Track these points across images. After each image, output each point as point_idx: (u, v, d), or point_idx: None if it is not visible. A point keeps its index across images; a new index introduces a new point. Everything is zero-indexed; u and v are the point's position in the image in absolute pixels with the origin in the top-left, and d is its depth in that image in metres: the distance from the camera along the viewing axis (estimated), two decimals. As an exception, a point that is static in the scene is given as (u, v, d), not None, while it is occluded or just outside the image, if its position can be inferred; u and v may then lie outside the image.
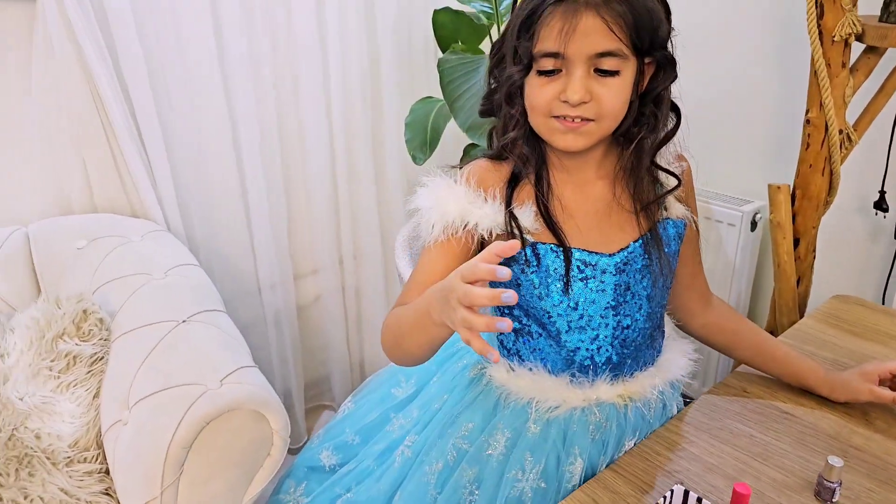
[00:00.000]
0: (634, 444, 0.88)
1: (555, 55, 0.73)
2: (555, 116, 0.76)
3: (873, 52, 1.21)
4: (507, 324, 0.58)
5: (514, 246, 0.59)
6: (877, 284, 1.50)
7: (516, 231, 0.80)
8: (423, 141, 1.58)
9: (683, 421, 0.92)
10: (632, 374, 0.88)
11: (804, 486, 0.79)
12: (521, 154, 0.82)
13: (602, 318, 0.84)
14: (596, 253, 0.82)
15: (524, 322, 0.87)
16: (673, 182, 0.85)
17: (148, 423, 0.94)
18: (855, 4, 1.16)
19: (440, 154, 1.69)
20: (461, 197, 0.81)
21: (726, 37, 1.61)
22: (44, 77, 1.30)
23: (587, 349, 0.85)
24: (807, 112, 1.26)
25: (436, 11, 1.60)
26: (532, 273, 0.81)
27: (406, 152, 1.64)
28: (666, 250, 0.85)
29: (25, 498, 0.97)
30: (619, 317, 0.84)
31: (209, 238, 1.62)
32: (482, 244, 0.82)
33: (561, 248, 0.80)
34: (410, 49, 1.84)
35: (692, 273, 0.95)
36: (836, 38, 1.16)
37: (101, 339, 1.10)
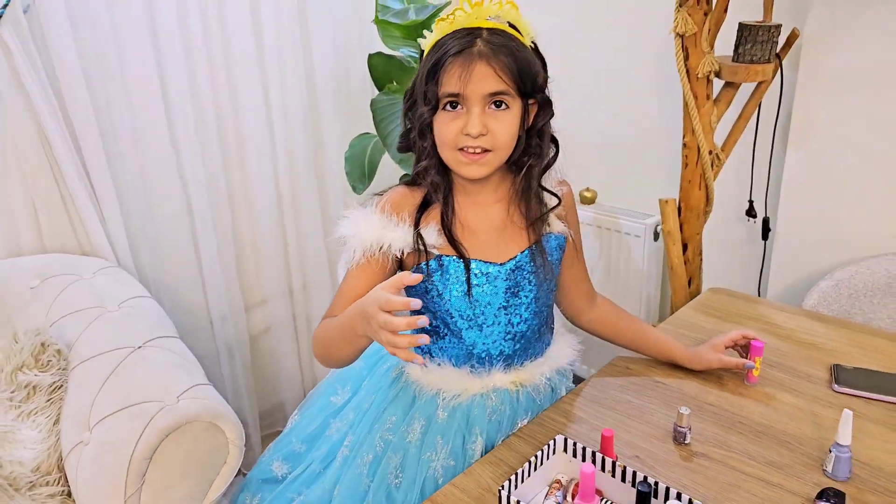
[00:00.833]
0: (528, 423, 1.01)
1: (455, 95, 0.88)
2: (460, 149, 0.90)
3: (731, 85, 1.43)
4: (425, 339, 0.73)
5: (416, 278, 0.74)
6: (756, 279, 1.71)
7: (422, 248, 0.94)
8: (361, 173, 1.70)
9: (577, 395, 1.07)
10: (522, 363, 1.02)
11: (666, 435, 0.95)
12: (432, 181, 0.96)
13: (495, 317, 0.98)
14: (491, 263, 0.96)
15: (433, 323, 1.00)
16: (555, 202, 1.01)
17: (109, 439, 1.00)
18: (712, 47, 1.37)
19: (378, 183, 1.81)
20: (376, 223, 0.94)
21: (623, 79, 1.85)
22: (-8, 124, 1.36)
23: (483, 344, 0.99)
24: (683, 137, 1.46)
25: (370, 55, 1.74)
26: (438, 281, 0.95)
27: (347, 183, 1.76)
28: (549, 259, 1.00)
29: (-11, 523, 1.01)
30: (509, 315, 0.98)
31: (159, 274, 1.68)
32: (400, 261, 0.97)
33: (462, 260, 0.95)
34: (349, 89, 1.97)
35: (577, 278, 1.10)
36: (699, 76, 1.37)
37: (59, 369, 1.15)
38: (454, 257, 0.95)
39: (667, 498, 0.73)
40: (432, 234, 0.95)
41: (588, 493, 0.74)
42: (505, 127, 0.90)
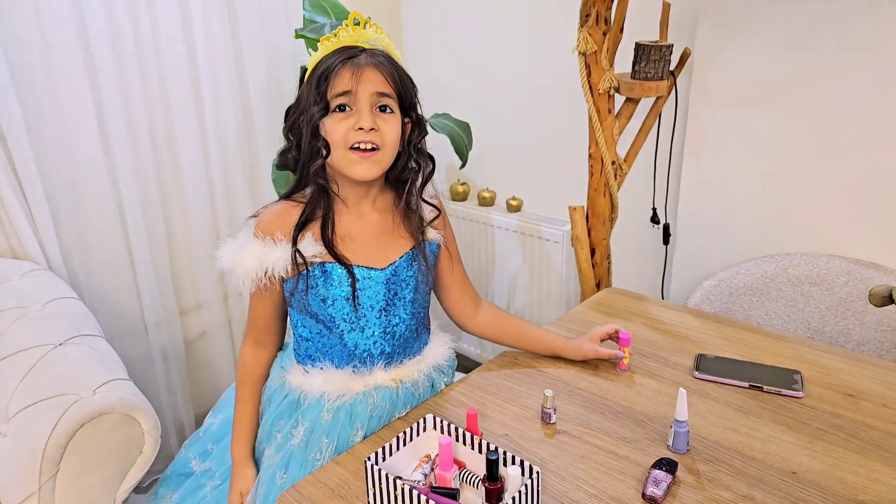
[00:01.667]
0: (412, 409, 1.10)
1: (347, 93, 0.97)
2: (352, 148, 0.99)
3: (631, 100, 1.56)
4: None
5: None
6: (660, 281, 1.84)
7: (301, 261, 1.00)
8: (287, 180, 1.78)
9: (464, 383, 1.17)
10: (401, 361, 1.10)
11: (536, 416, 1.07)
12: (319, 186, 1.03)
13: (376, 318, 1.06)
14: (372, 268, 1.04)
15: (313, 330, 1.07)
16: (432, 213, 1.11)
17: (25, 429, 1.07)
18: (612, 64, 1.49)
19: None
20: (254, 251, 1.02)
21: (544, 96, 2.00)
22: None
23: (364, 344, 1.06)
24: (588, 148, 1.57)
25: (302, 67, 1.82)
26: (321, 286, 1.02)
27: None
28: (425, 264, 1.10)
29: None
30: (389, 316, 1.06)
31: (92, 278, 1.73)
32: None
33: (344, 266, 1.02)
34: (281, 97, 2.05)
35: (460, 285, 1.20)
36: (601, 91, 1.49)
37: (-19, 366, 1.21)
38: (337, 263, 1.02)
39: (512, 464, 0.83)
40: (312, 244, 1.02)
41: (446, 463, 0.84)
42: (391, 128, 1.00)
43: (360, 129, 0.97)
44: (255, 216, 1.07)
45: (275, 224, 1.03)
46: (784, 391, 1.10)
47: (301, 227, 1.02)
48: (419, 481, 0.88)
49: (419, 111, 1.05)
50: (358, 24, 1.01)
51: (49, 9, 1.53)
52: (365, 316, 1.05)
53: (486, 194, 2.20)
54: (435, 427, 0.93)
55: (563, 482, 0.91)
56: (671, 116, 1.66)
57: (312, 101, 0.98)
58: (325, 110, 0.98)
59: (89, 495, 1.08)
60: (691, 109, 1.66)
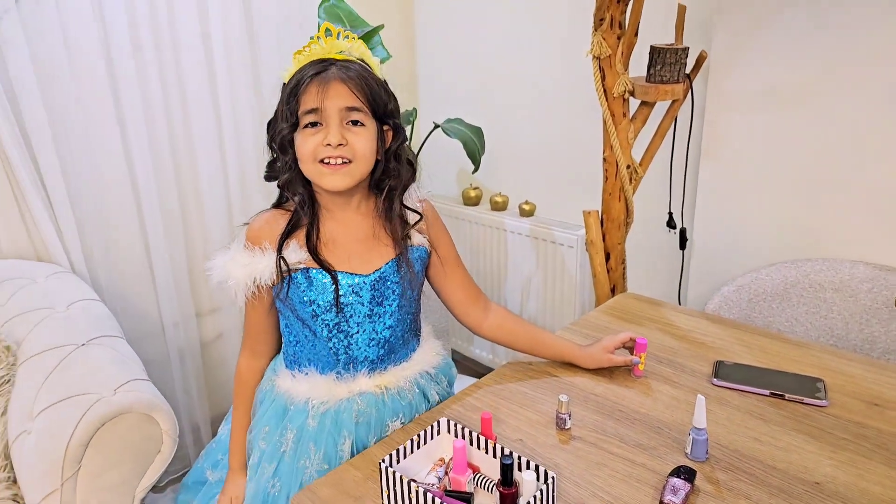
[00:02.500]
0: (400, 423, 1.09)
1: (314, 110, 0.97)
2: (321, 162, 0.99)
3: (646, 104, 1.55)
4: None
5: None
6: (676, 286, 1.82)
7: (285, 268, 1.01)
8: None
9: (479, 388, 1.17)
10: (386, 368, 1.10)
11: (550, 422, 1.06)
12: (300, 197, 1.04)
13: (360, 325, 1.05)
14: (357, 274, 1.04)
15: (300, 335, 1.07)
16: (415, 217, 1.10)
17: (49, 428, 1.09)
18: (627, 68, 1.49)
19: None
20: (243, 262, 1.03)
21: (558, 100, 1.99)
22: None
23: (349, 350, 1.06)
24: (603, 152, 1.57)
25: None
26: (306, 292, 1.02)
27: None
28: (412, 270, 1.09)
29: (-65, 506, 1.10)
30: (373, 323, 1.06)
31: (113, 280, 1.77)
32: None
33: (329, 272, 1.02)
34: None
35: (462, 289, 1.18)
36: (615, 95, 1.48)
37: (8, 365, 1.24)
38: (321, 269, 1.02)
39: (527, 469, 0.83)
40: (296, 251, 1.02)
41: (460, 466, 0.84)
42: (363, 140, 0.99)
43: (328, 144, 0.97)
44: (247, 223, 1.08)
45: (263, 232, 1.04)
46: (807, 399, 1.09)
47: (287, 234, 1.03)
48: (433, 484, 0.88)
49: (397, 118, 1.04)
50: (330, 35, 1.00)
51: (73, 15, 1.56)
52: (349, 322, 1.05)
53: (499, 199, 2.20)
54: (449, 430, 0.94)
55: (579, 488, 0.91)
56: (687, 120, 1.65)
57: (284, 116, 1.00)
58: (295, 126, 0.99)
59: (109, 493, 1.10)
60: (708, 113, 1.65)
